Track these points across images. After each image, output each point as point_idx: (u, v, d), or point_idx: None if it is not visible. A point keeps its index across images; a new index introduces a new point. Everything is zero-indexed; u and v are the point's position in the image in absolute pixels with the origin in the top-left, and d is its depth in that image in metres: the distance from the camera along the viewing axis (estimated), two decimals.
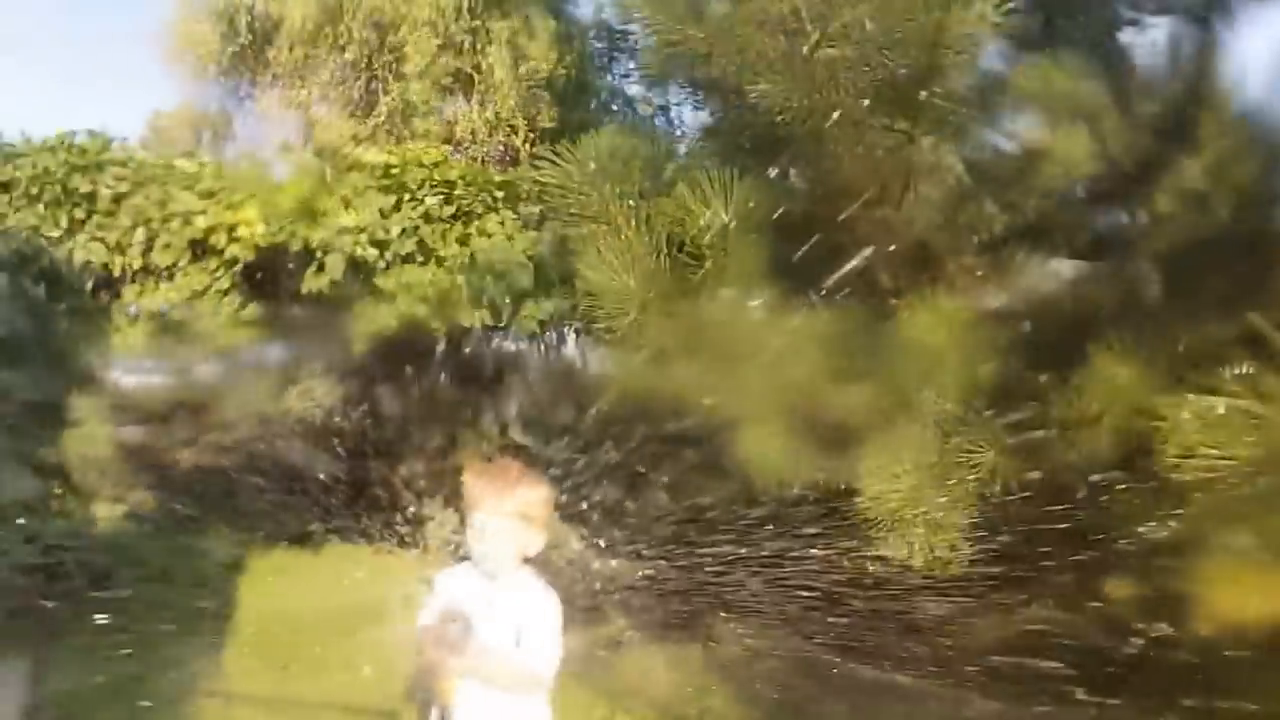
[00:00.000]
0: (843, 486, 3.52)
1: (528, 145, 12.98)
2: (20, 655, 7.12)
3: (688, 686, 5.39)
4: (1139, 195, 3.86)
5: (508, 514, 2.72)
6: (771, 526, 5.21)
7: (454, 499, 8.33)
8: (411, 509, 11.90)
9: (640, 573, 6.14)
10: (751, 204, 3.28)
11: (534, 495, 2.81)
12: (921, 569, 3.61)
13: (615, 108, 14.92)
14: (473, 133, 12.58)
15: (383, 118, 12.14)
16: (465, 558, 2.85)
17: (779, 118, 3.52)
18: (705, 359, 3.22)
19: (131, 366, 16.65)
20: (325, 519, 13.01)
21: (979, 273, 3.54)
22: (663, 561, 5.62)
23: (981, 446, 3.23)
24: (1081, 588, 4.03)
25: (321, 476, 13.07)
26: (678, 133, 12.35)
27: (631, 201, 3.16)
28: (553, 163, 3.33)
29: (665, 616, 5.84)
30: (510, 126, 12.98)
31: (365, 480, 13.05)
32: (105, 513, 14.34)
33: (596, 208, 3.12)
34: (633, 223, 3.11)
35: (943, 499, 3.24)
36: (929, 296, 3.27)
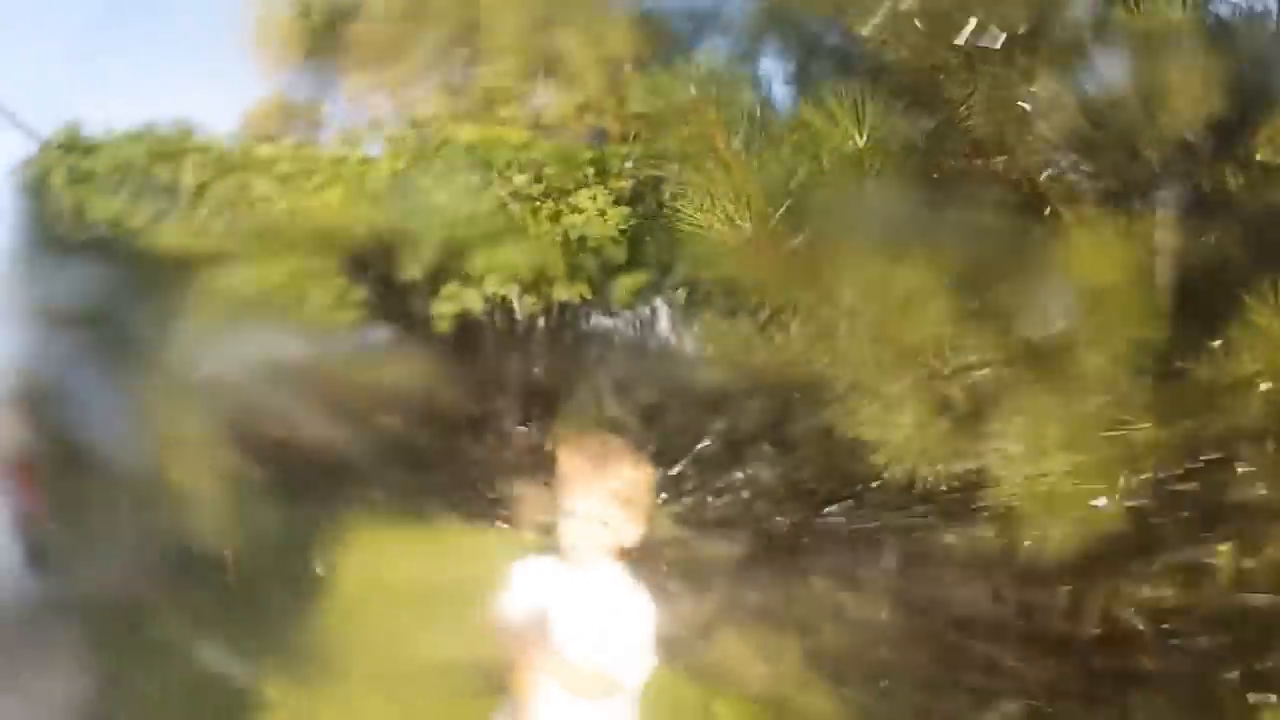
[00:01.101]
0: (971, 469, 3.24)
1: (618, 125, 13.03)
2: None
3: (786, 677, 5.06)
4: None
5: (604, 496, 2.42)
6: (883, 508, 4.97)
7: (547, 477, 8.22)
8: (505, 487, 11.86)
9: (736, 554, 5.90)
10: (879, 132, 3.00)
11: (634, 476, 2.49)
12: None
13: None
14: (561, 118, 12.44)
15: (470, 101, 12.07)
16: (553, 544, 2.56)
17: (884, 62, 3.32)
18: (821, 311, 2.97)
19: (239, 346, 16.94)
20: (421, 496, 13.07)
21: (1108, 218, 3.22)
22: (761, 542, 5.37)
23: (1133, 417, 2.96)
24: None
25: (418, 453, 13.15)
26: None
27: (739, 131, 2.90)
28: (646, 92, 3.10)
29: (763, 601, 5.57)
30: (597, 110, 12.94)
31: (460, 457, 13.06)
32: (210, 486, 14.64)
33: (700, 138, 2.87)
34: (742, 154, 2.86)
35: (1093, 484, 2.94)
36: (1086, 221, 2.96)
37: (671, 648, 2.59)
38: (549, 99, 12.59)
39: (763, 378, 3.80)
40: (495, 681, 2.55)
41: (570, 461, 2.54)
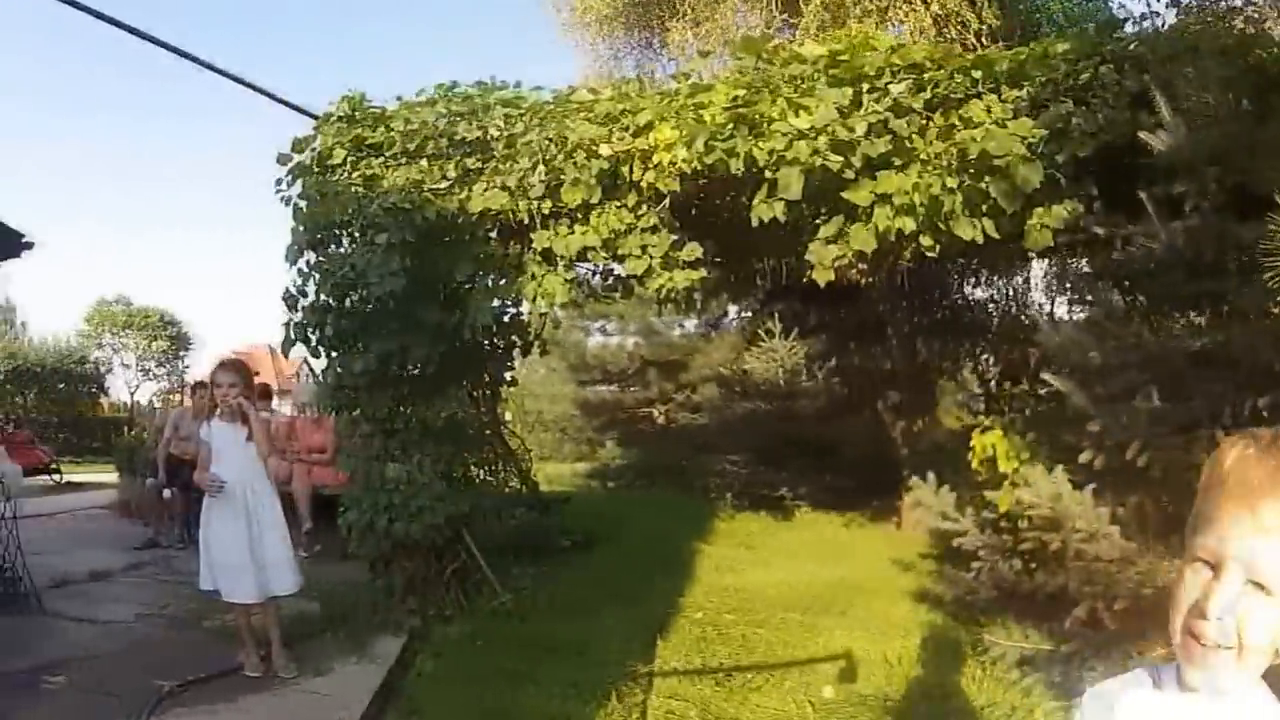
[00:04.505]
0: None
1: (978, 40, 11.58)
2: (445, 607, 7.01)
3: None
4: None
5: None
6: None
7: (927, 467, 6.79)
8: (887, 478, 10.40)
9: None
10: None
11: None
12: None
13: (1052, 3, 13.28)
14: (920, 30, 11.03)
15: (811, 22, 10.75)
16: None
17: None
18: None
19: (595, 324, 16.77)
20: (793, 485, 11.89)
21: None
22: None
23: None
24: None
25: (785, 440, 11.99)
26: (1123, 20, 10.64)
27: None
28: None
29: None
30: (960, 22, 11.48)
31: (833, 444, 11.76)
32: (558, 471, 14.51)
33: None
34: None
35: None
36: None
37: None
38: (905, 12, 11.24)
39: None
40: None
41: (1247, 476, 1.23)
